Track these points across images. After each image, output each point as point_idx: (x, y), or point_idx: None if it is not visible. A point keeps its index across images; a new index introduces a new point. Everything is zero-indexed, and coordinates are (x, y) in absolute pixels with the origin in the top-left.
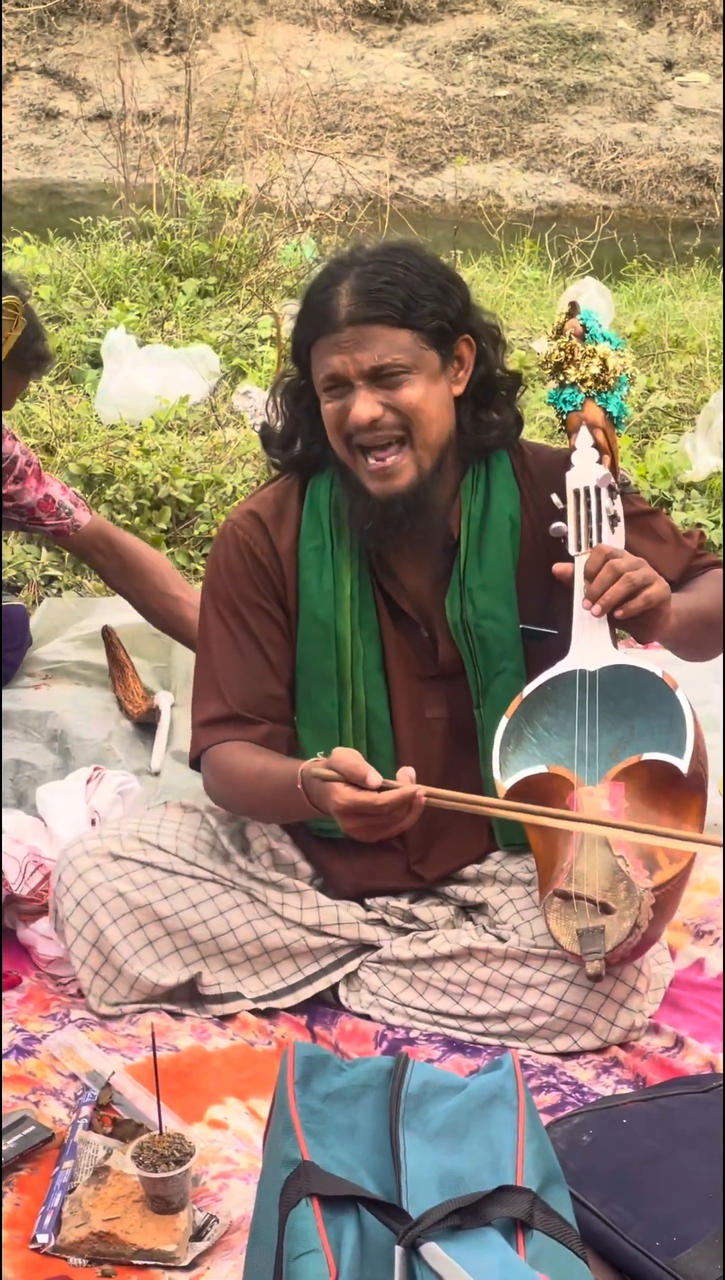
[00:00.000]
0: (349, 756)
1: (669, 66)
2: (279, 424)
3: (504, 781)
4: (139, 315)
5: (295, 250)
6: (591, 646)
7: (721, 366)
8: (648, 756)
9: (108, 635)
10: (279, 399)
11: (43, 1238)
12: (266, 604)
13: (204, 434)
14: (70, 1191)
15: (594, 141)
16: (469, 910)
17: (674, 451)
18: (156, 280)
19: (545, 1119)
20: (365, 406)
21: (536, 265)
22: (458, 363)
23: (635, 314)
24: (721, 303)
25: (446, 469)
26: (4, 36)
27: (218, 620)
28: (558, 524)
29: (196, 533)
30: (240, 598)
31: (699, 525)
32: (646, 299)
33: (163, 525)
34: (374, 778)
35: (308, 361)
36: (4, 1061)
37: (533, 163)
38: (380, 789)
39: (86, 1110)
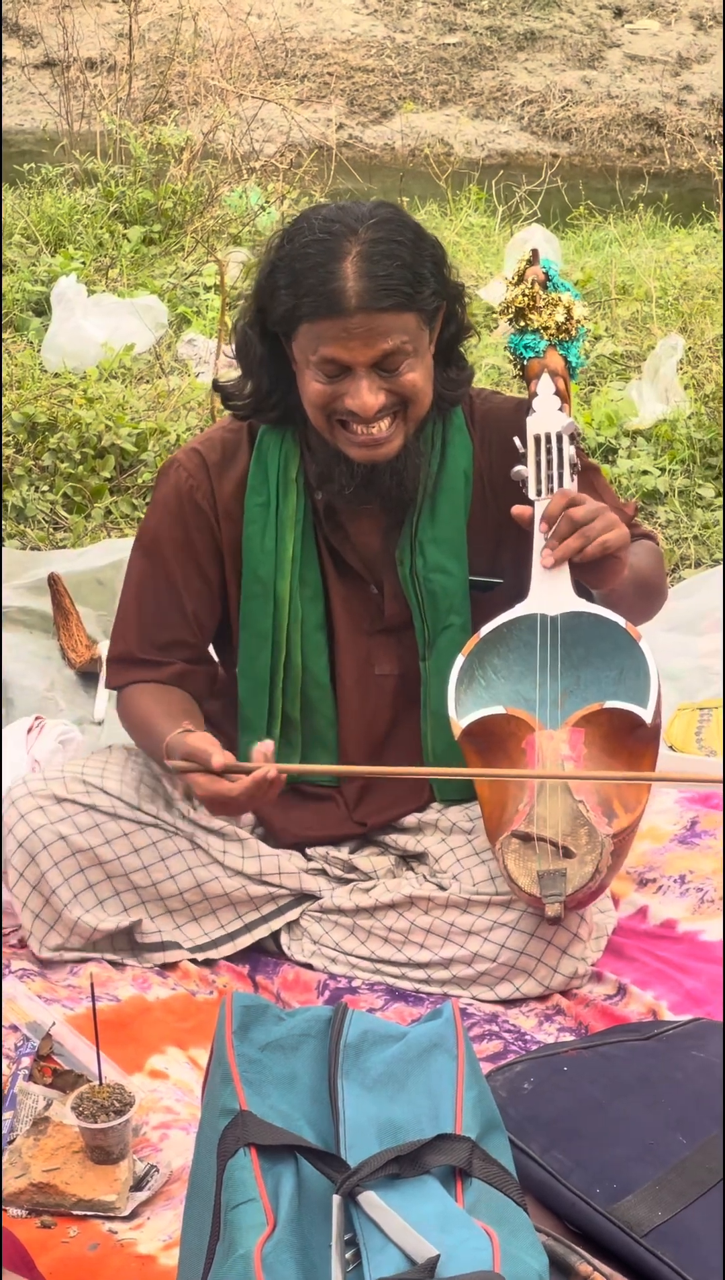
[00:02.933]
0: (197, 742)
1: (619, 14)
2: (237, 377)
3: (460, 721)
4: (83, 263)
5: (241, 198)
6: (551, 592)
7: (721, 318)
8: (610, 704)
9: (54, 583)
10: (240, 356)
11: None
12: (196, 549)
13: (148, 382)
14: (10, 1143)
15: (544, 89)
16: (409, 860)
17: (620, 399)
18: (101, 228)
19: (487, 1067)
20: (370, 397)
21: (483, 212)
22: (434, 328)
23: (582, 261)
24: (722, 260)
25: (420, 430)
26: None
27: (141, 558)
28: (518, 468)
29: (140, 481)
30: (168, 539)
31: (644, 473)
32: (594, 246)
33: (106, 474)
34: (217, 760)
35: (288, 331)
36: None
37: (482, 110)
38: (228, 771)
39: (26, 1061)
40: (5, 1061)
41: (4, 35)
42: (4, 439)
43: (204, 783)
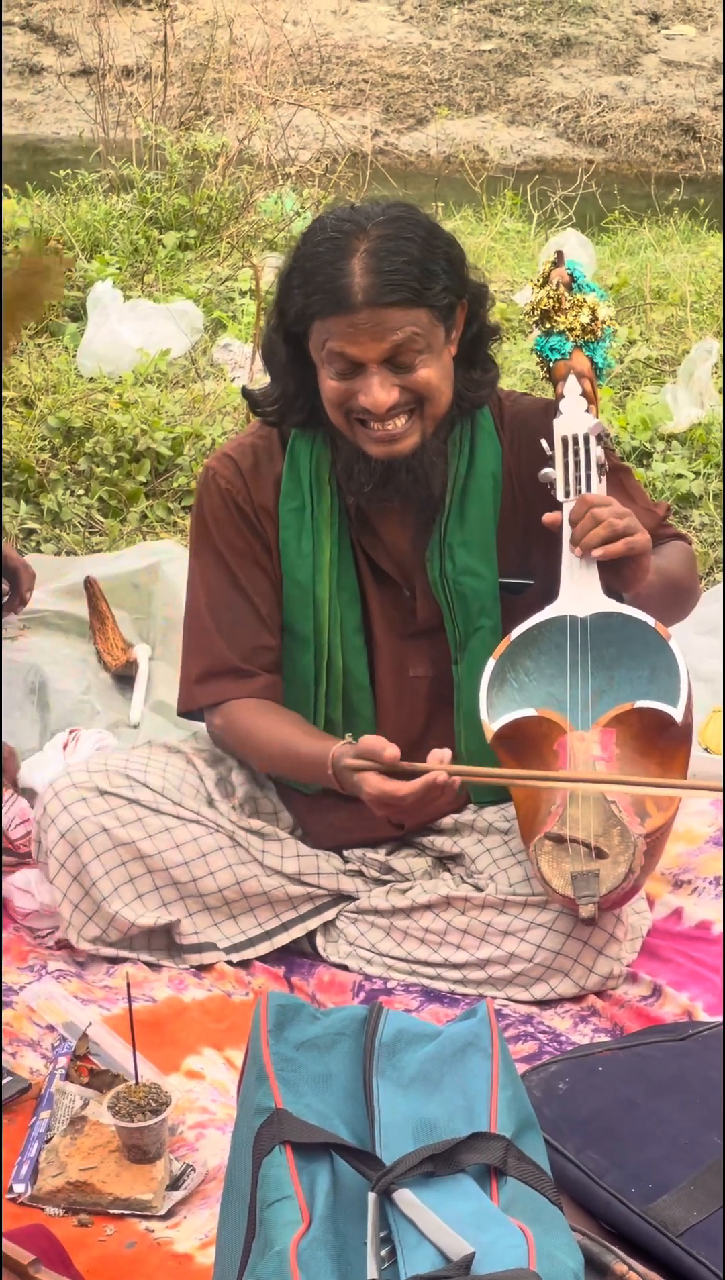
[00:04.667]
0: (374, 743)
1: (655, 19)
2: (267, 382)
3: (492, 724)
4: (119, 268)
5: (276, 203)
6: (580, 593)
7: (722, 318)
8: (641, 704)
9: (90, 586)
10: (265, 359)
11: (19, 1188)
12: (254, 552)
13: (183, 387)
14: (47, 1142)
15: (579, 95)
16: (446, 861)
17: (655, 403)
18: (136, 233)
19: (523, 1068)
20: (381, 393)
21: (518, 218)
22: (454, 327)
23: (617, 266)
24: (722, 257)
25: (442, 430)
26: None
27: (207, 570)
28: (546, 470)
29: (175, 485)
30: (227, 547)
31: (679, 477)
32: (629, 251)
33: (142, 478)
34: (392, 752)
35: (305, 330)
36: None
37: (518, 117)
38: (405, 775)
39: (63, 1061)
40: (42, 1061)
41: (41, 44)
42: (40, 443)
43: (375, 781)
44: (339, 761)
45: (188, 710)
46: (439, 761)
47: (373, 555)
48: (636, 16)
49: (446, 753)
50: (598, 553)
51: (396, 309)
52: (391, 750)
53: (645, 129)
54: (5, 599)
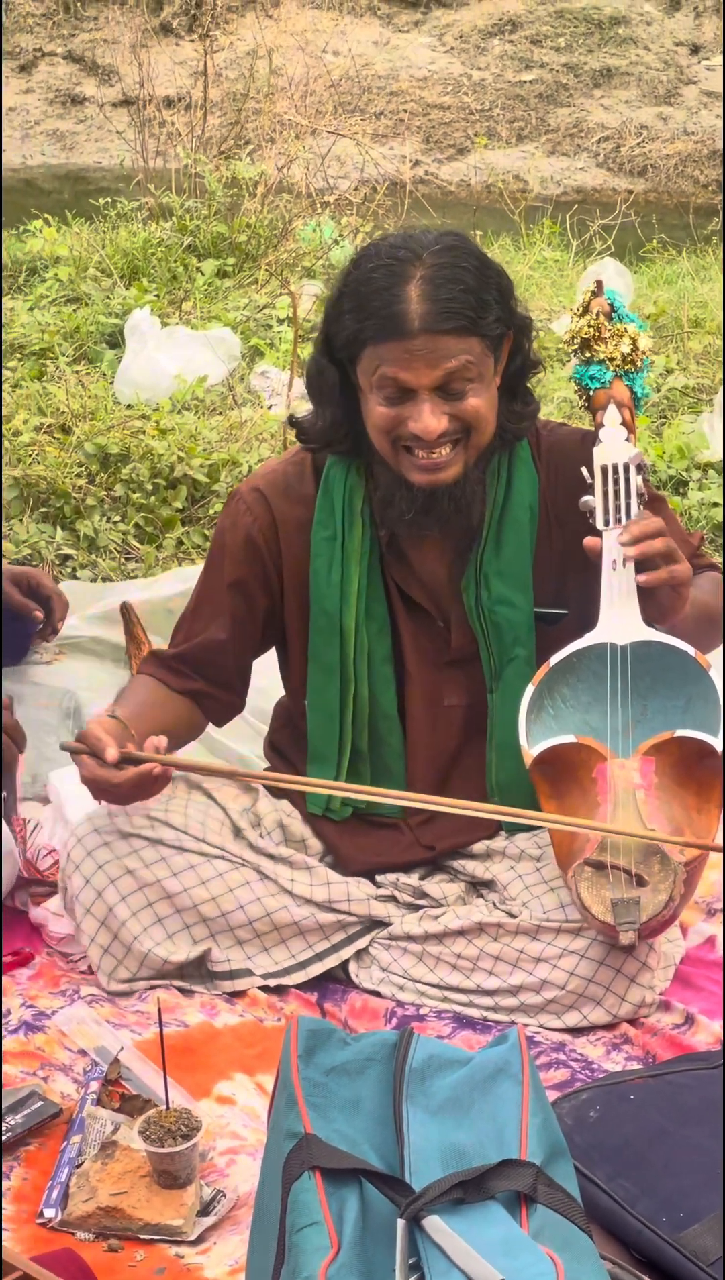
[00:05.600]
0: (96, 729)
1: (695, 50)
2: (309, 408)
3: (531, 749)
4: (157, 296)
5: (314, 231)
6: (621, 621)
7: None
8: (681, 733)
9: (126, 612)
10: (310, 386)
11: (50, 1212)
12: (248, 585)
13: (220, 414)
14: (78, 1166)
15: (619, 125)
16: (479, 887)
17: (691, 432)
18: (175, 261)
19: (554, 1095)
20: (433, 419)
21: (557, 246)
22: (500, 358)
23: (655, 295)
24: (722, 283)
25: (482, 459)
26: (30, 22)
27: (207, 575)
28: (587, 498)
29: (212, 512)
30: (225, 571)
31: (714, 505)
32: (666, 280)
33: (178, 504)
34: (111, 754)
35: (354, 356)
36: (14, 1038)
37: (558, 147)
38: (122, 763)
39: (95, 1085)
40: (74, 1086)
41: (83, 75)
42: (77, 469)
43: (90, 765)
44: (76, 736)
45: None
46: (154, 749)
47: (405, 586)
48: (677, 48)
49: (162, 740)
50: (640, 579)
51: (451, 336)
52: (111, 753)
53: (685, 159)
54: (39, 626)
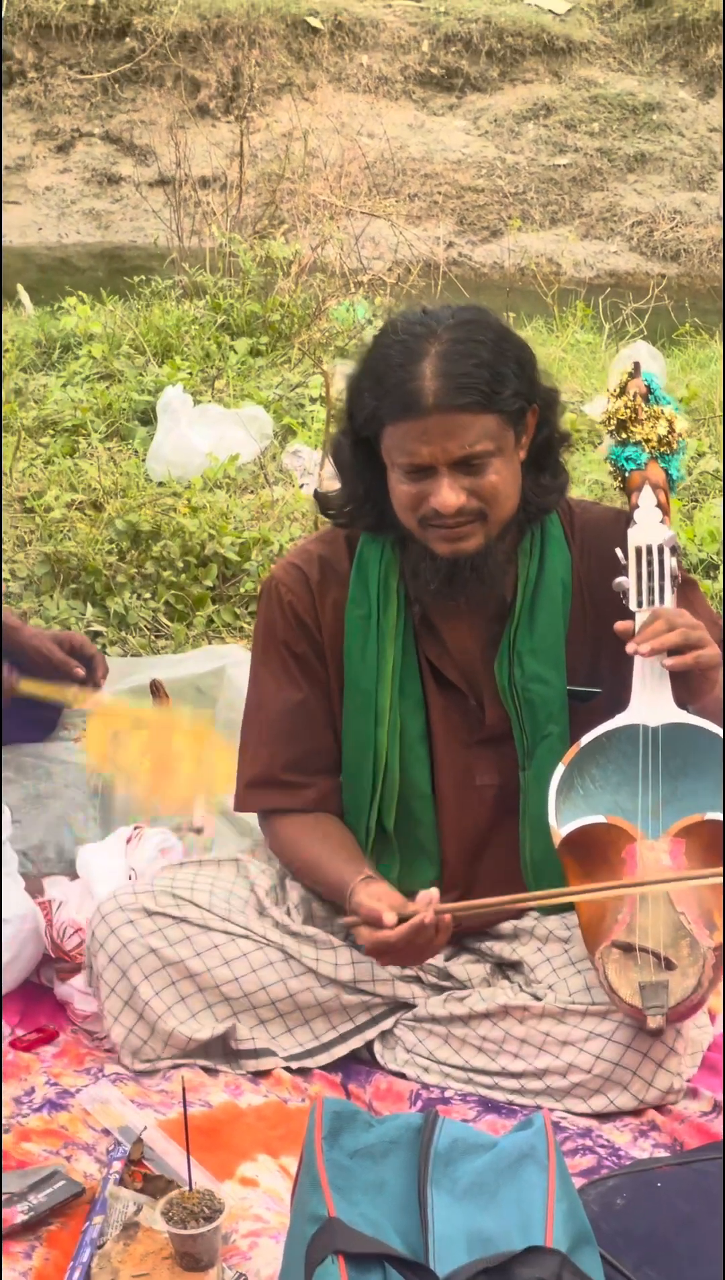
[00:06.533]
0: (369, 900)
1: None
2: (337, 487)
3: (560, 829)
4: (190, 373)
5: (347, 310)
6: (652, 703)
7: (722, 428)
8: (711, 816)
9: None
10: (335, 462)
11: None
12: (312, 659)
13: (252, 492)
14: (100, 1247)
15: (653, 210)
16: (505, 968)
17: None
18: (208, 339)
19: (580, 1181)
20: (451, 495)
21: (590, 329)
22: (524, 431)
23: (687, 379)
24: (722, 363)
25: (508, 534)
26: (68, 104)
27: (266, 674)
28: (620, 579)
29: (242, 590)
30: (289, 653)
31: None
32: (699, 364)
33: (209, 582)
34: (389, 918)
35: (376, 434)
36: (38, 1115)
37: (591, 231)
38: (400, 921)
39: (118, 1165)
40: (97, 1166)
41: (120, 155)
42: (108, 546)
43: (366, 935)
44: (351, 899)
45: (241, 811)
46: (428, 903)
47: (438, 664)
48: (711, 134)
49: (434, 893)
50: (667, 663)
51: (466, 413)
52: (389, 918)
53: (718, 244)
54: (82, 680)
